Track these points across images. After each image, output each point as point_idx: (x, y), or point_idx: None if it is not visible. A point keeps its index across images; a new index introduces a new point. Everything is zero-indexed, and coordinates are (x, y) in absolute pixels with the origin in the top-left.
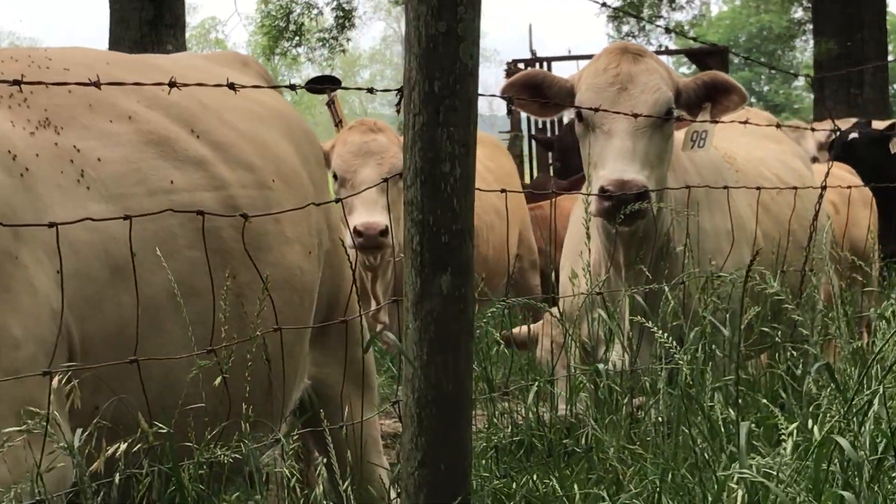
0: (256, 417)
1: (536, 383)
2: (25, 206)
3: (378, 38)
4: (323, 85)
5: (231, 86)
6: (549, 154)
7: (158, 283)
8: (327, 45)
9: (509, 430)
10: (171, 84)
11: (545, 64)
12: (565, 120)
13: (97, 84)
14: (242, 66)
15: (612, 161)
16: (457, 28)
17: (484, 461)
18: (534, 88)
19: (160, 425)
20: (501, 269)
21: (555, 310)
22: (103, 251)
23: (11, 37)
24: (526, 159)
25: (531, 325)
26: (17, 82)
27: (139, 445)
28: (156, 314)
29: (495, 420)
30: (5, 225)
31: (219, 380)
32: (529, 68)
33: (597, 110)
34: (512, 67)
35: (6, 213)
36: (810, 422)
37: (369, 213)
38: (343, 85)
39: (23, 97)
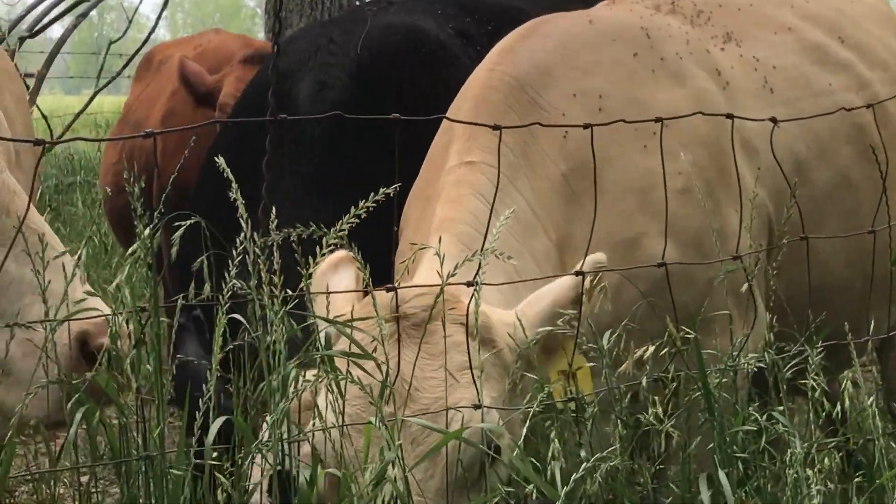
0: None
1: None
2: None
3: None
4: None
5: None
6: None
7: (824, 178)
8: None
9: None
10: None
11: None
12: None
13: None
14: None
15: None
16: None
17: None
18: None
19: (687, 330)
20: None
21: None
22: (789, 150)
23: None
24: None
25: None
26: None
27: (665, 350)
28: (820, 206)
29: None
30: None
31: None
32: None
33: None
34: None
35: (720, 118)
36: None
37: None
38: None
39: (706, 17)
